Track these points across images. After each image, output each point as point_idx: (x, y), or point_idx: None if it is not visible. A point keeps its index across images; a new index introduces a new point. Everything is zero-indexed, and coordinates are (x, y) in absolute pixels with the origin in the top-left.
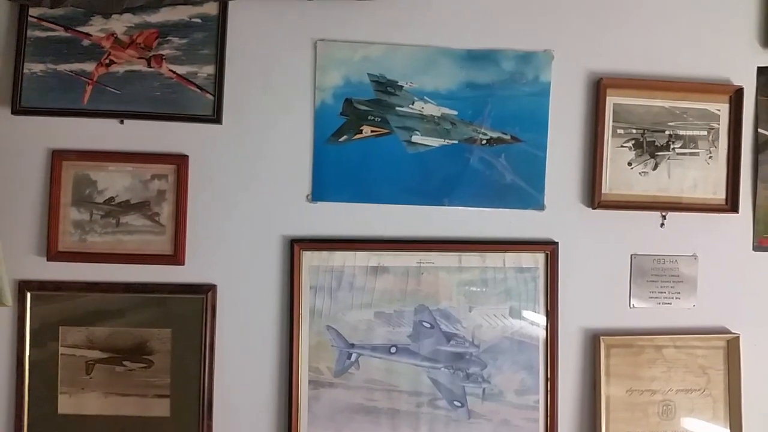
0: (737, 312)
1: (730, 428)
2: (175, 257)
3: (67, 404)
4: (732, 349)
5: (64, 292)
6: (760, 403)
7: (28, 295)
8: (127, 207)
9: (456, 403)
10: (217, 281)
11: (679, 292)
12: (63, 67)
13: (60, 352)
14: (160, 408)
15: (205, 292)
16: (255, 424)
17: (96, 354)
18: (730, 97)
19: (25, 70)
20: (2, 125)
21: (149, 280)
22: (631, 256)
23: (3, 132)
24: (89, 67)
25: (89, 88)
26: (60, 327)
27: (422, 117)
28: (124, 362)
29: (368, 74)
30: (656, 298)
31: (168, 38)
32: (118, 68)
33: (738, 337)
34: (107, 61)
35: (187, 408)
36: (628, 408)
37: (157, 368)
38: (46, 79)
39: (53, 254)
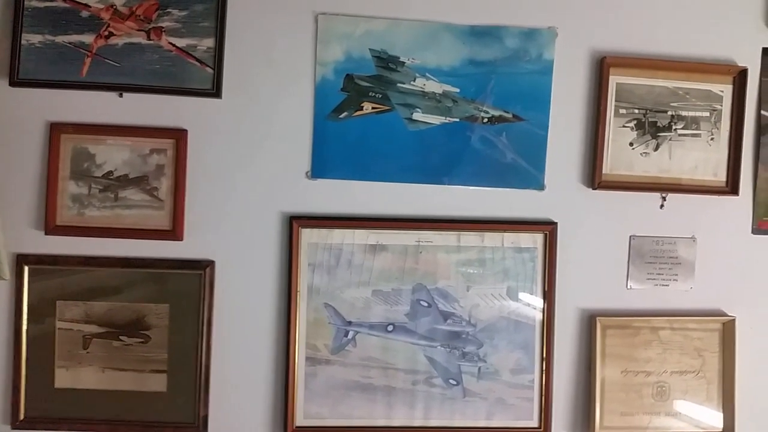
0: (734, 295)
1: (723, 410)
2: (174, 232)
3: (64, 378)
4: (727, 332)
5: (61, 267)
6: (753, 386)
7: (26, 268)
8: (125, 181)
9: (451, 381)
10: (215, 257)
11: (676, 274)
12: (61, 39)
13: (57, 327)
14: (157, 383)
15: (203, 267)
16: (252, 399)
17: (93, 328)
18: (734, 78)
19: (23, 41)
20: (0, 97)
21: (147, 256)
22: (630, 237)
23: (1, 104)
24: (88, 38)
25: (88, 61)
26: (57, 301)
27: (424, 94)
28: (121, 337)
29: (370, 49)
30: (654, 279)
31: (168, 10)
32: (117, 40)
33: (734, 320)
34: (106, 33)
35: (184, 383)
36: (623, 389)
37: (154, 343)
38: (45, 51)
39: (51, 228)
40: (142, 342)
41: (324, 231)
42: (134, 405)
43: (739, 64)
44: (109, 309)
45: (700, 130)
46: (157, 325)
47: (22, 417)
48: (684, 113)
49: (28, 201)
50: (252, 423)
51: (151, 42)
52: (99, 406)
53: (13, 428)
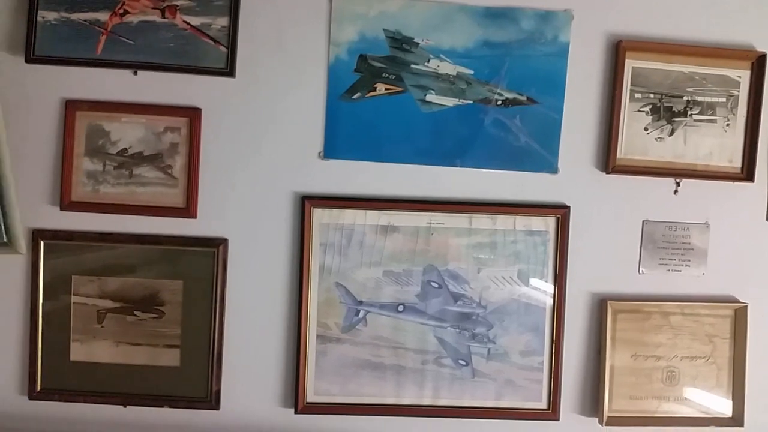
0: (747, 281)
1: (733, 397)
2: (187, 210)
3: (79, 352)
4: (739, 319)
5: (77, 242)
6: (763, 374)
7: (42, 243)
8: (140, 159)
9: (461, 361)
10: (228, 235)
11: (689, 260)
12: (77, 16)
13: (72, 301)
14: (170, 358)
15: (216, 245)
16: (263, 376)
17: (108, 303)
18: (752, 63)
19: (38, 18)
20: (16, 74)
21: (161, 233)
22: (643, 222)
23: (17, 81)
24: (103, 16)
25: (103, 38)
26: (72, 276)
27: (437, 75)
28: (136, 312)
29: (384, 30)
30: (666, 265)
31: None
32: (132, 18)
33: (746, 307)
34: (121, 10)
35: (197, 358)
36: (633, 373)
37: (168, 319)
38: (60, 28)
39: (66, 204)
40: (155, 317)
41: (336, 211)
42: (148, 379)
43: (758, 50)
44: (124, 285)
45: (716, 115)
46: (171, 301)
47: (38, 389)
48: (700, 98)
49: (43, 177)
50: (263, 398)
51: (166, 20)
52: (113, 379)
53: (30, 398)
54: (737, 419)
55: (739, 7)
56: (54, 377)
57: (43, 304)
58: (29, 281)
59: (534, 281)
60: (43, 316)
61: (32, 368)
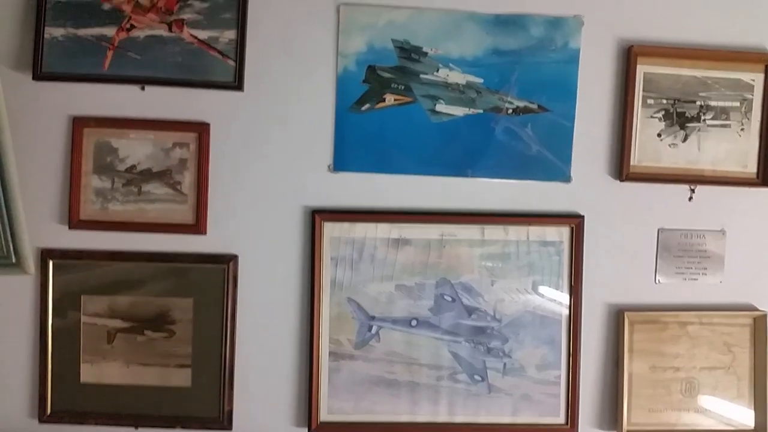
0: (765, 289)
1: (755, 407)
2: (197, 227)
3: (89, 373)
4: (759, 327)
5: (85, 261)
6: None
7: (50, 263)
8: (148, 175)
9: (476, 377)
10: (238, 251)
11: (705, 268)
12: (83, 32)
13: (82, 321)
14: (182, 378)
15: (226, 262)
16: (275, 394)
17: (118, 323)
18: (766, 66)
19: (45, 35)
20: (24, 91)
21: (171, 250)
22: (658, 230)
23: (24, 98)
24: (110, 31)
25: (110, 54)
26: (82, 296)
27: (447, 85)
28: (146, 331)
29: (392, 40)
30: (682, 273)
31: (189, 2)
32: (139, 33)
33: (765, 315)
34: (128, 25)
35: (209, 378)
36: (651, 385)
37: (178, 338)
38: (67, 44)
39: (75, 222)
40: (166, 336)
41: (347, 225)
42: (159, 400)
43: None
44: (134, 303)
45: (729, 120)
46: (181, 319)
47: (49, 412)
48: (713, 103)
49: (51, 196)
50: (276, 418)
51: (173, 34)
52: (124, 400)
53: (40, 422)
54: (759, 431)
55: (751, 10)
56: (64, 399)
57: (52, 324)
58: (38, 302)
59: (549, 293)
60: (52, 337)
61: (42, 391)
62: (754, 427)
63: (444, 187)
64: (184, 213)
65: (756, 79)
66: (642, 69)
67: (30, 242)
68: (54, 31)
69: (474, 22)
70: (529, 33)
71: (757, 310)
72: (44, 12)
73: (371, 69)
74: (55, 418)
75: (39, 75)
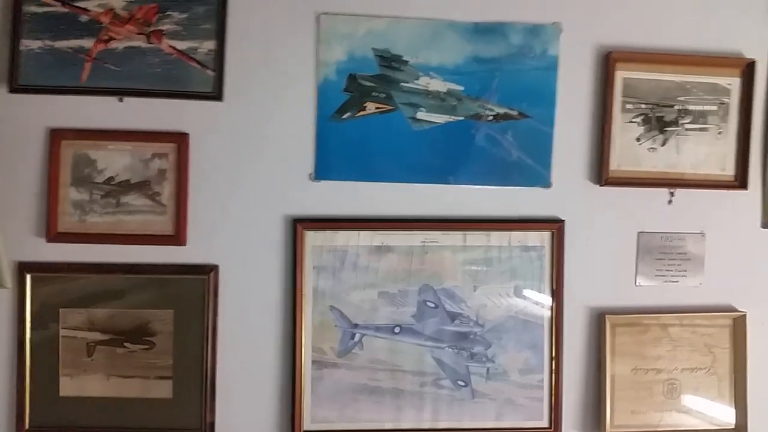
0: (744, 290)
1: (735, 407)
2: (177, 237)
3: (68, 386)
4: (738, 328)
5: (64, 274)
6: (765, 382)
7: (28, 276)
8: (127, 187)
9: (460, 382)
10: (219, 262)
11: (685, 270)
12: (61, 44)
13: (61, 334)
14: (163, 389)
15: (207, 272)
16: (258, 405)
17: (97, 336)
18: (742, 70)
19: (22, 47)
20: (0, 103)
21: (150, 261)
22: (638, 233)
23: (1, 110)
24: (88, 43)
25: (88, 65)
26: (60, 309)
27: (427, 93)
28: (126, 344)
29: (372, 49)
30: (663, 276)
31: (168, 13)
32: (117, 44)
33: (744, 316)
34: (106, 37)
35: (190, 389)
36: (633, 387)
37: (159, 350)
38: (44, 57)
39: (53, 235)
40: (146, 348)
41: (328, 233)
42: (140, 412)
43: (747, 57)
44: (113, 316)
45: (707, 124)
46: (162, 331)
47: (27, 426)
48: (691, 107)
49: (29, 208)
50: (259, 428)
51: (152, 45)
52: (105, 413)
53: None
54: (740, 429)
55: (728, 16)
56: (43, 414)
57: (30, 338)
58: (16, 315)
59: (531, 297)
60: (30, 351)
61: (20, 405)
62: (735, 425)
63: (425, 194)
64: (163, 224)
65: (732, 83)
66: (620, 74)
67: (7, 255)
68: (31, 43)
69: (454, 30)
70: (509, 41)
71: (737, 311)
72: (20, 24)
73: (352, 78)
74: None
75: (16, 87)
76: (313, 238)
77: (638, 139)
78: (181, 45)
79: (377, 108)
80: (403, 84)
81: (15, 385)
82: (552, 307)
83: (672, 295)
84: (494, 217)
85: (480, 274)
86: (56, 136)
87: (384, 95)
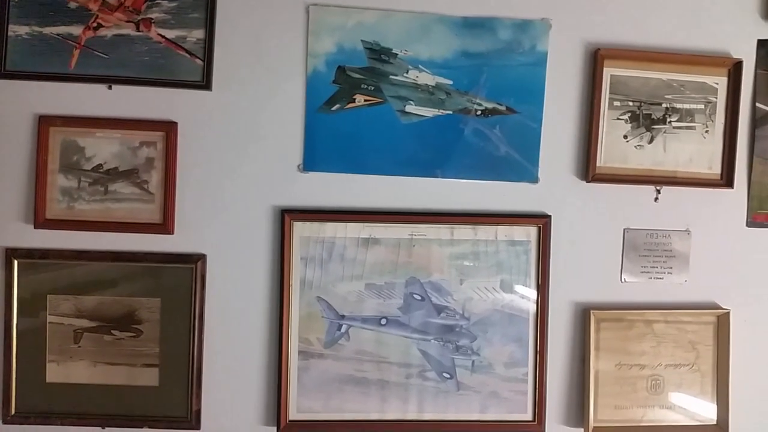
0: (728, 288)
1: (717, 403)
2: (164, 226)
3: (55, 373)
4: (722, 325)
5: (51, 261)
6: (747, 379)
7: (16, 262)
8: (115, 174)
9: (445, 374)
10: (206, 251)
11: (671, 267)
12: (49, 30)
13: (48, 321)
14: (149, 377)
15: (194, 261)
16: (244, 394)
17: (84, 323)
18: (729, 70)
19: (9, 33)
20: None
21: (138, 249)
22: (624, 230)
23: None
24: (76, 30)
25: (76, 53)
26: (48, 295)
27: (416, 86)
28: (113, 331)
29: (362, 41)
30: (648, 272)
31: (157, 1)
32: (106, 32)
33: (728, 313)
34: (95, 24)
35: (176, 377)
36: (617, 382)
37: (146, 337)
38: (32, 43)
39: (41, 222)
40: (133, 336)
41: (316, 224)
42: (126, 399)
43: (734, 57)
44: (100, 303)
45: (694, 122)
46: (149, 319)
47: (13, 412)
48: (678, 105)
49: (16, 195)
50: (245, 417)
51: (141, 33)
52: (91, 400)
53: (4, 423)
54: (722, 425)
55: (716, 15)
56: (29, 399)
57: (17, 324)
58: (3, 301)
59: (517, 291)
60: (17, 337)
61: (6, 391)
62: (717, 421)
63: (414, 187)
64: (151, 212)
65: (719, 82)
66: (608, 71)
67: None
68: (18, 29)
69: (443, 24)
70: (498, 36)
71: (721, 308)
72: (8, 9)
73: (341, 70)
74: (20, 418)
75: (3, 73)
76: (300, 229)
77: (625, 137)
78: (170, 33)
79: (366, 100)
80: (392, 77)
81: (1, 371)
82: (537, 301)
83: (657, 292)
84: (481, 211)
85: (467, 267)
86: (44, 123)
87: (373, 88)
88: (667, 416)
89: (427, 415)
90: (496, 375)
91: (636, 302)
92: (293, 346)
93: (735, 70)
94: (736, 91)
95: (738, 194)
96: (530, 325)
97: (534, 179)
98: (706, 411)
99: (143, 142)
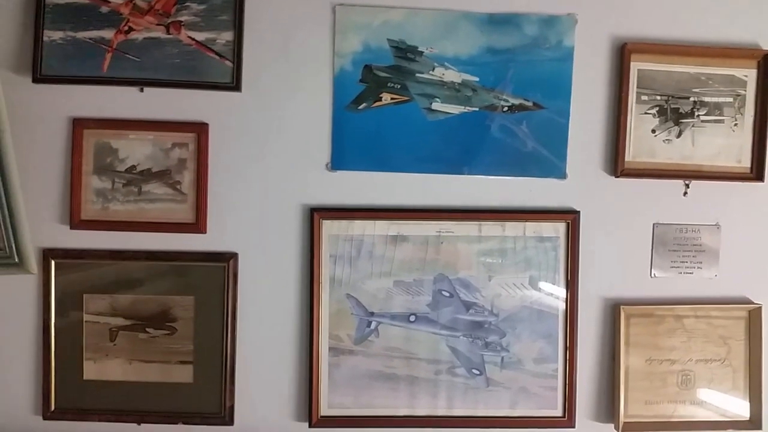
0: (760, 282)
1: (750, 399)
2: (197, 225)
3: (92, 370)
4: (753, 320)
5: (87, 260)
6: None
7: (53, 262)
8: (148, 175)
9: (474, 371)
10: (238, 249)
11: (700, 262)
12: (82, 35)
13: (84, 319)
14: (183, 374)
15: (226, 260)
16: (277, 390)
17: (119, 321)
18: (758, 62)
19: (44, 38)
20: (24, 94)
21: (171, 249)
22: (653, 225)
23: (24, 100)
24: (108, 34)
25: (108, 56)
26: (84, 294)
27: (442, 83)
28: (148, 329)
29: (388, 39)
30: (677, 267)
31: (186, 4)
32: (137, 35)
33: (760, 308)
34: (126, 28)
35: (210, 374)
36: (647, 377)
37: (180, 335)
38: (66, 47)
39: (76, 222)
40: (168, 334)
41: (345, 222)
42: (161, 396)
43: (764, 48)
44: (135, 301)
45: (723, 116)
46: (183, 317)
47: (53, 408)
48: (707, 99)
49: (52, 196)
50: (277, 413)
51: (171, 36)
52: (127, 397)
53: (44, 419)
54: (755, 422)
55: (744, 6)
56: (67, 396)
57: (55, 323)
58: (41, 301)
59: (546, 287)
60: (55, 336)
61: (45, 388)
62: (749, 417)
63: (441, 185)
64: (184, 212)
65: (749, 74)
66: (636, 66)
67: (32, 242)
68: (53, 34)
69: (468, 21)
70: (523, 32)
71: (752, 303)
72: (43, 15)
73: (368, 68)
74: (59, 414)
75: (39, 77)
76: (329, 227)
77: (653, 131)
78: (200, 36)
79: (393, 99)
80: (418, 75)
81: (41, 368)
82: (566, 297)
83: (687, 287)
84: (509, 207)
85: (495, 264)
86: (78, 126)
87: (399, 86)
88: (698, 412)
89: (457, 411)
90: (525, 371)
91: (666, 297)
92: (324, 342)
93: (764, 61)
94: (765, 83)
95: None
96: (559, 321)
97: (562, 175)
98: (738, 407)
99: (175, 143)
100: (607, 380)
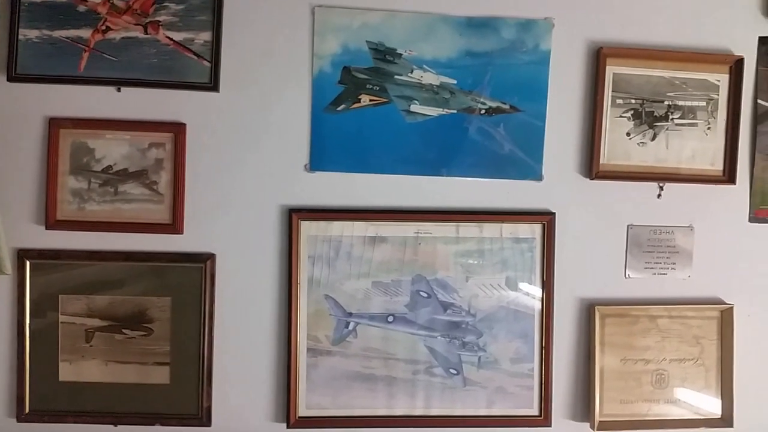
0: (732, 283)
1: (722, 397)
2: (174, 226)
3: (67, 371)
4: (725, 320)
5: (63, 261)
6: (751, 373)
7: (28, 263)
8: (125, 175)
9: (452, 370)
10: (215, 250)
11: (674, 263)
12: (59, 34)
13: (60, 321)
14: (160, 375)
15: (203, 260)
16: (254, 390)
17: (96, 322)
18: (730, 67)
19: (20, 37)
20: None
21: (148, 249)
22: (628, 226)
23: (0, 99)
24: (85, 33)
25: (85, 55)
26: (60, 295)
27: (421, 86)
28: (124, 330)
29: (367, 42)
30: (652, 268)
31: (164, 4)
32: (115, 35)
33: (732, 308)
34: (103, 27)
35: (187, 375)
36: (622, 377)
37: (156, 336)
38: (42, 46)
39: (52, 223)
40: (144, 335)
41: (323, 223)
42: (138, 397)
43: (736, 54)
44: (111, 302)
45: (696, 119)
46: (160, 318)
47: (27, 410)
48: (681, 103)
49: (28, 196)
50: (255, 414)
51: (149, 36)
52: (103, 399)
53: (18, 421)
54: (726, 419)
55: (717, 13)
56: (43, 398)
57: (30, 324)
58: (16, 301)
59: (522, 288)
60: (30, 337)
61: (20, 390)
62: (721, 415)
63: (419, 186)
64: (160, 213)
65: (721, 79)
66: (611, 70)
67: (7, 243)
68: (29, 33)
69: (447, 24)
70: (501, 35)
71: (724, 303)
72: (18, 13)
73: (346, 70)
74: (34, 416)
75: (14, 76)
76: (308, 228)
77: (628, 134)
78: (178, 36)
79: (371, 100)
80: (396, 77)
81: (15, 370)
82: (542, 297)
83: (661, 288)
84: (486, 209)
85: (472, 265)
86: (55, 125)
87: (378, 88)
88: (672, 410)
89: (435, 411)
90: (502, 371)
91: (640, 298)
92: (302, 343)
93: (736, 67)
94: (737, 88)
95: (740, 190)
96: (536, 321)
97: (538, 177)
98: (711, 405)
99: (152, 143)
100: (582, 379)
